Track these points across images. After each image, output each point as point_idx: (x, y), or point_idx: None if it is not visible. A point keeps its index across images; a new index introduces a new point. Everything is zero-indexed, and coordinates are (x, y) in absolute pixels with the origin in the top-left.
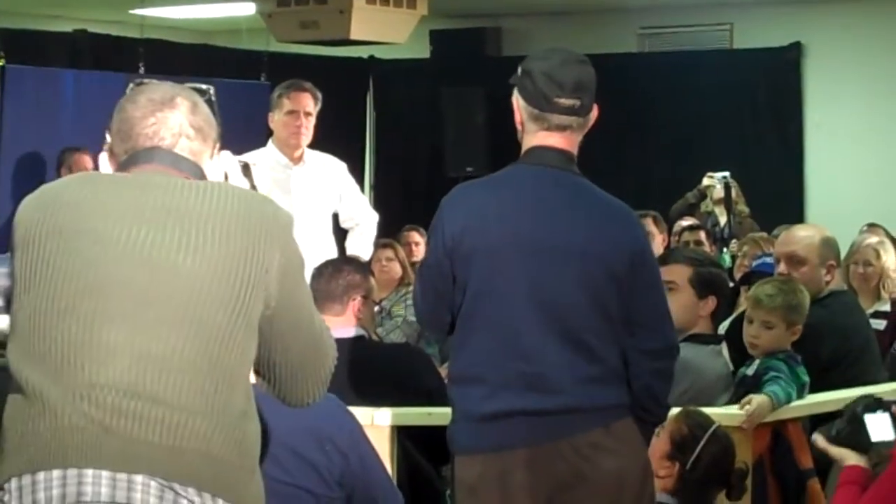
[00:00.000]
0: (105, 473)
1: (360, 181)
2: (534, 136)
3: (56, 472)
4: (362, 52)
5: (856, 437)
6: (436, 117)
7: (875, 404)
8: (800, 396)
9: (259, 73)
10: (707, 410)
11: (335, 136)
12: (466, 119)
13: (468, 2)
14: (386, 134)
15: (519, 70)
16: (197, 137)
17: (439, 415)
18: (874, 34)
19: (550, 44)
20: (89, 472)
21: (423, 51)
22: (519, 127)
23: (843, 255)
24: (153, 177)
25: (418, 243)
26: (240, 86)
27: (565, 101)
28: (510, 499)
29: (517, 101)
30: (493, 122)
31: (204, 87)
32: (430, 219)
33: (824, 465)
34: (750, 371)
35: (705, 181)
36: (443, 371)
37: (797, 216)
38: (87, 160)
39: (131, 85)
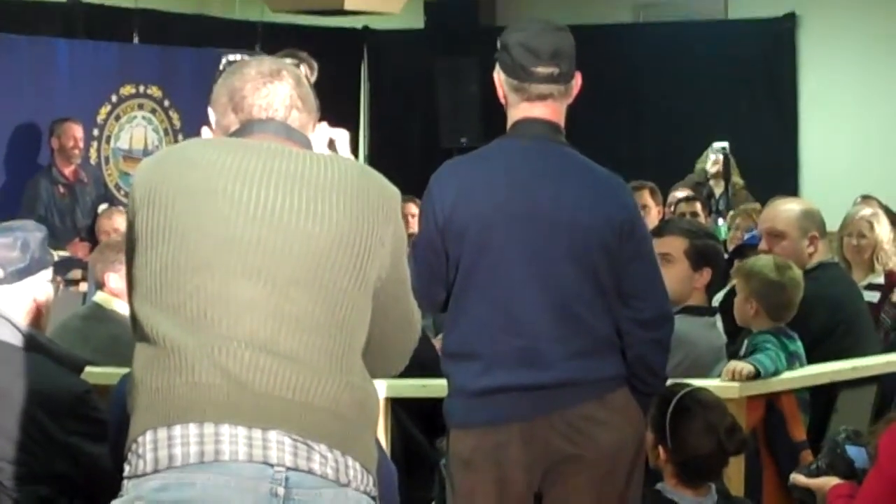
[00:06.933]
0: (241, 431)
1: (355, 152)
2: (517, 109)
3: (193, 427)
4: (356, 23)
5: (838, 465)
6: (430, 88)
7: (855, 437)
8: (790, 365)
9: (254, 43)
10: (700, 382)
11: (329, 107)
12: (461, 90)
13: None
14: (380, 105)
15: (498, 44)
16: (304, 109)
17: (434, 387)
18: (869, 5)
19: (546, 13)
20: (225, 428)
21: (417, 21)
22: (503, 101)
23: (836, 226)
24: (273, 145)
25: (414, 215)
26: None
27: (543, 70)
28: (504, 472)
29: (498, 75)
30: (487, 92)
31: (293, 60)
32: (425, 189)
33: (817, 438)
34: (741, 352)
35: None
36: (437, 343)
37: (791, 187)
38: (75, 129)
39: (224, 60)
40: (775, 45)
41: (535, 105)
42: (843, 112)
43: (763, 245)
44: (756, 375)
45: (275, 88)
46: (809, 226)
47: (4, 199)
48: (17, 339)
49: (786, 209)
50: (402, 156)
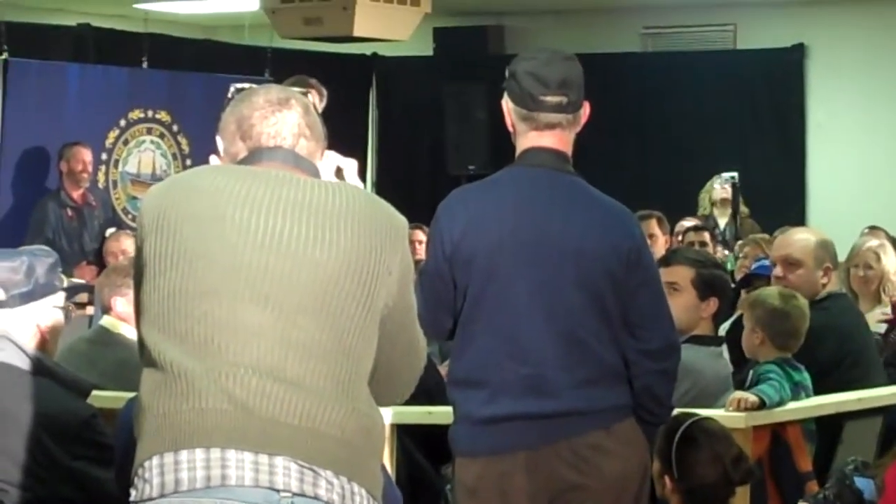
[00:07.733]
0: (248, 456)
1: (362, 178)
2: (525, 138)
3: (199, 452)
4: (365, 49)
5: (846, 496)
6: (438, 115)
7: (863, 468)
8: (795, 395)
9: (262, 69)
10: (707, 412)
11: (338, 133)
12: (469, 117)
13: (472, 0)
14: (388, 131)
15: (506, 72)
16: (312, 138)
17: (439, 414)
18: (877, 36)
19: (553, 42)
20: (232, 454)
21: (426, 48)
22: (511, 129)
23: (843, 257)
24: (281, 173)
25: (422, 242)
26: (243, 81)
27: (551, 99)
28: (509, 501)
29: (507, 104)
30: (495, 120)
31: (302, 88)
32: (432, 217)
33: (823, 469)
34: (747, 383)
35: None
36: (443, 370)
37: (798, 217)
38: (84, 153)
39: (233, 88)
40: (783, 75)
41: (544, 134)
42: (850, 142)
43: (777, 272)
44: (761, 406)
45: (283, 117)
46: (824, 256)
47: (13, 221)
48: (23, 363)
49: (802, 238)
50: (410, 182)
